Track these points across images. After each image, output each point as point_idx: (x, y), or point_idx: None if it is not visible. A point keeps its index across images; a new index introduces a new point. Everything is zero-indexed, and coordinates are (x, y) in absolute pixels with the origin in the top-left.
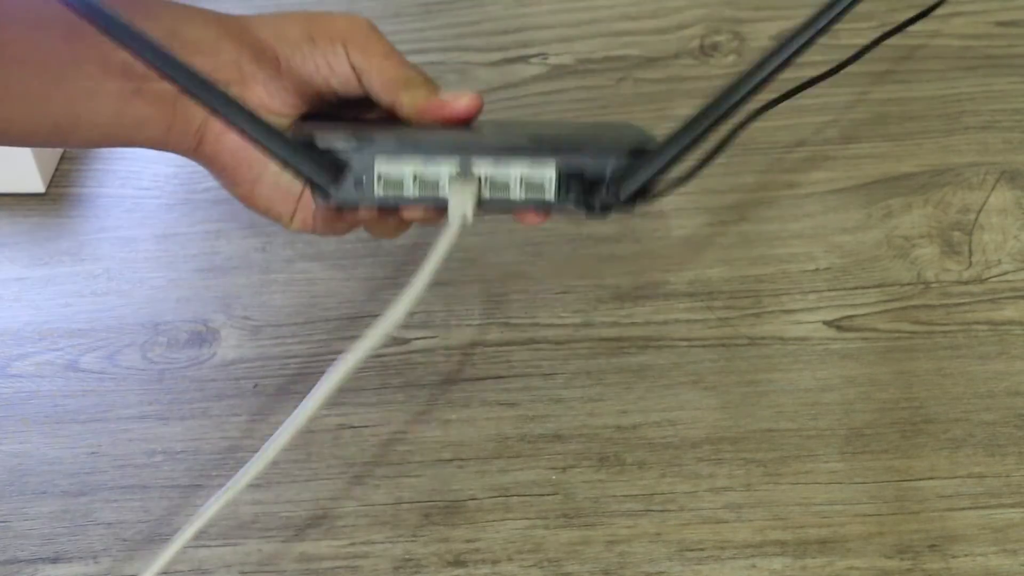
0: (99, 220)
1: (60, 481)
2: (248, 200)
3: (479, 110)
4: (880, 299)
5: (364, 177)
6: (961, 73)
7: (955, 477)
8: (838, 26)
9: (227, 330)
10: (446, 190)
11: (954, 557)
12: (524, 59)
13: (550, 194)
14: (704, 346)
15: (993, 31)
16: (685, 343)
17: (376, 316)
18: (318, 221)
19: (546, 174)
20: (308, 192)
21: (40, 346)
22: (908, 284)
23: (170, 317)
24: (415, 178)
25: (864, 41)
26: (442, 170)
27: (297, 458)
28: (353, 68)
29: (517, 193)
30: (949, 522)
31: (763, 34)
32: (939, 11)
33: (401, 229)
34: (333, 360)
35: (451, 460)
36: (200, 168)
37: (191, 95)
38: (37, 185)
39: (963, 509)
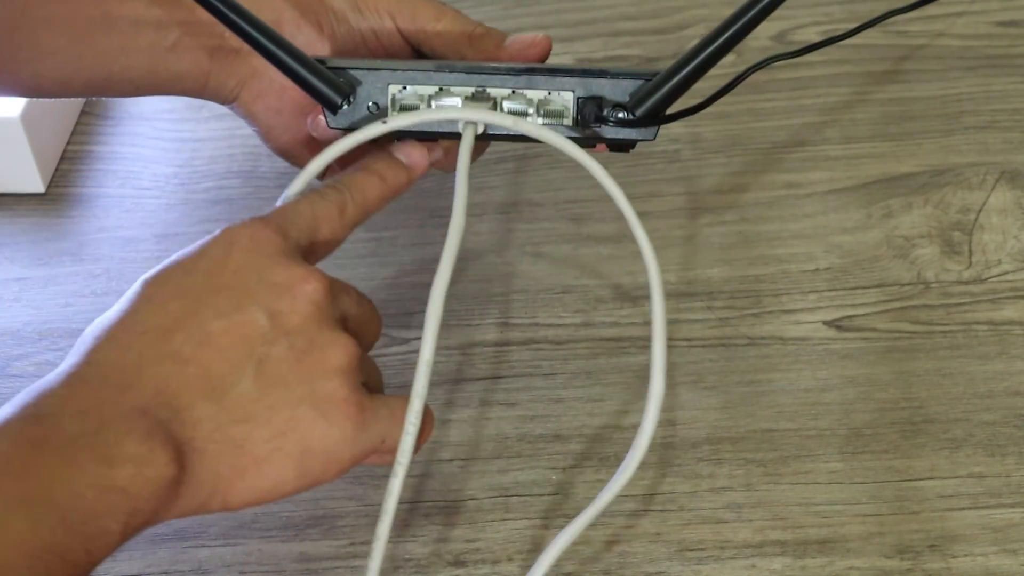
0: (99, 220)
1: None
2: (282, 154)
3: (549, 51)
4: (880, 299)
5: (378, 100)
6: (961, 73)
7: (955, 477)
8: (837, 25)
9: None
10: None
11: (954, 557)
12: None
13: (569, 119)
14: (704, 346)
15: (993, 31)
16: (685, 343)
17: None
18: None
19: (565, 99)
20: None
21: (40, 346)
22: (908, 284)
23: None
24: (429, 102)
25: (857, 38)
26: (458, 92)
27: None
28: (405, 38)
29: (534, 120)
30: (949, 522)
31: (763, 34)
32: (939, 11)
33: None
34: None
35: (451, 460)
36: (200, 168)
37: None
38: (37, 185)
39: (963, 509)
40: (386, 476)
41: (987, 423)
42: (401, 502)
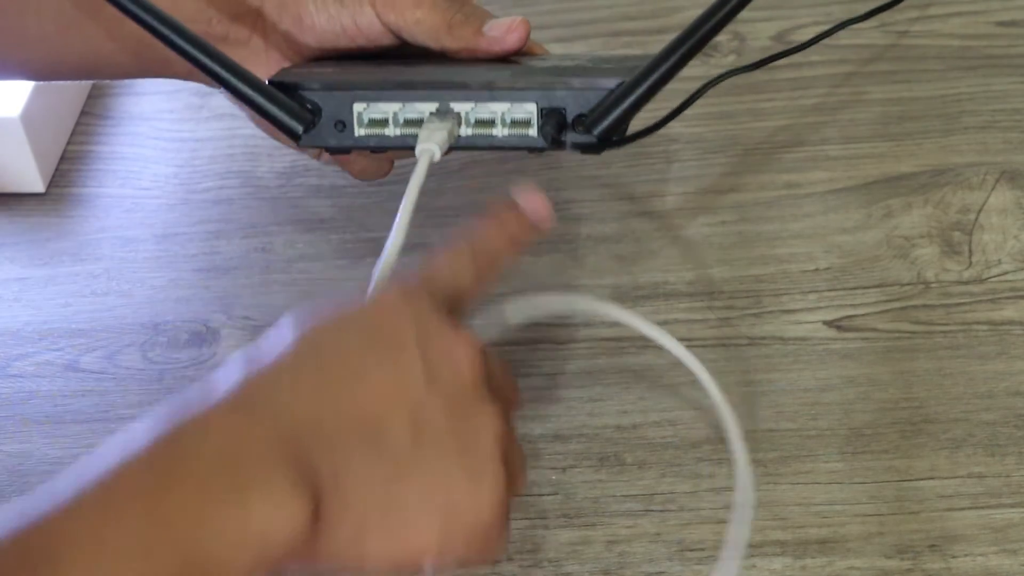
0: (99, 220)
1: None
2: (276, 137)
3: (528, 36)
4: (880, 299)
5: (343, 119)
6: (961, 73)
7: (955, 477)
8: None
9: (227, 330)
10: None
11: (954, 557)
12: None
13: (534, 131)
14: (704, 346)
15: (993, 31)
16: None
17: None
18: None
19: (528, 109)
20: None
21: (40, 346)
22: (908, 284)
23: (170, 317)
24: (395, 118)
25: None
26: (422, 108)
27: None
28: (387, 27)
29: (500, 131)
30: (949, 522)
31: (763, 34)
32: (939, 11)
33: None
34: None
35: None
36: (200, 168)
37: (150, 31)
38: (37, 185)
39: (963, 509)
40: None
41: (987, 423)
42: None
